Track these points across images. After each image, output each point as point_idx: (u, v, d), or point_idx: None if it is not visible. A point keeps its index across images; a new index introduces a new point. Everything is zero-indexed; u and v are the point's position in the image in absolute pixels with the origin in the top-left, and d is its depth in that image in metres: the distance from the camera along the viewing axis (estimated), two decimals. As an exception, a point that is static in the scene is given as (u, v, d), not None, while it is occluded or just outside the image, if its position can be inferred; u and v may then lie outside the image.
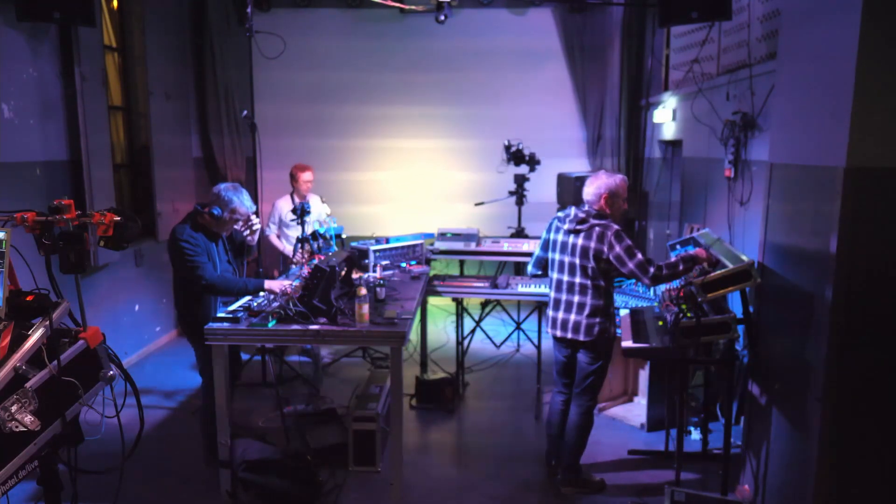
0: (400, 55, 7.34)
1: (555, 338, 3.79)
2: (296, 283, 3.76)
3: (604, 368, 3.73)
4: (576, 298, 3.63)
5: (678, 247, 4.06)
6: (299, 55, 6.93)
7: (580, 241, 3.56)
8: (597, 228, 3.52)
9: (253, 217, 3.96)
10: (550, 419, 3.97)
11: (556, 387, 3.94)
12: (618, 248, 3.47)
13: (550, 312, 3.77)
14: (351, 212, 6.83)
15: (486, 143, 7.05)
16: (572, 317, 3.64)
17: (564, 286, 3.67)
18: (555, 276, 3.75)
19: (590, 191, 3.62)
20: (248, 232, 3.99)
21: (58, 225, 2.08)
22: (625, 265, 3.47)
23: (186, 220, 3.82)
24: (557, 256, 3.71)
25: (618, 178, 3.64)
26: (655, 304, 4.32)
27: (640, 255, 3.47)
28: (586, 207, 3.62)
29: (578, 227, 3.57)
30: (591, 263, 3.54)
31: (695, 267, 3.56)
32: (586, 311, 3.60)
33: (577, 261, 3.58)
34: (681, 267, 3.52)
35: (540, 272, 3.92)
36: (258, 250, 5.28)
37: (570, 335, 3.66)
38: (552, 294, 3.78)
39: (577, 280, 3.61)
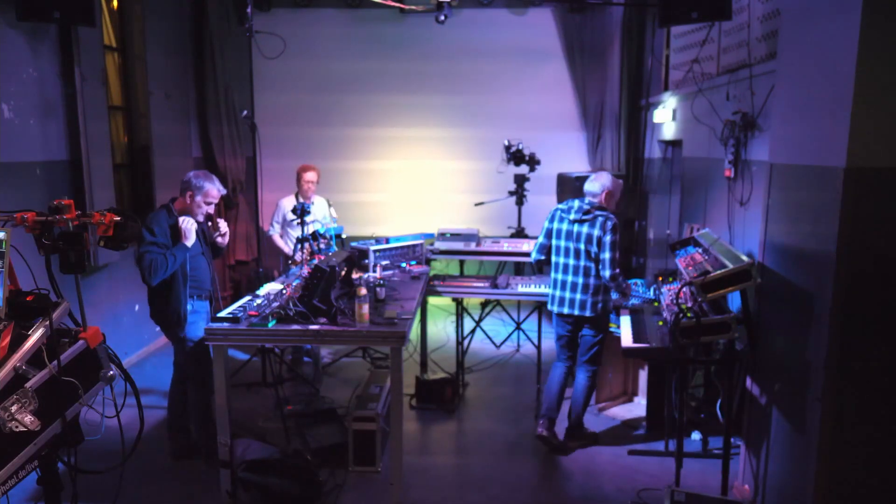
0: (399, 55, 7.33)
1: (559, 315, 4.29)
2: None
3: (605, 339, 4.34)
4: (580, 280, 4.17)
5: (679, 247, 4.10)
6: (299, 55, 6.92)
7: (585, 230, 4.11)
8: (600, 218, 4.09)
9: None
10: (551, 383, 4.36)
11: (558, 358, 4.42)
12: (607, 238, 4.05)
13: (557, 293, 4.27)
14: (352, 211, 6.83)
15: (485, 142, 7.04)
16: (578, 296, 4.18)
17: (570, 269, 4.20)
18: (560, 260, 4.25)
19: (594, 186, 4.16)
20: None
21: (58, 225, 2.08)
22: (603, 251, 4.05)
23: (163, 208, 3.95)
24: (563, 243, 4.22)
25: (619, 181, 4.26)
26: (655, 303, 4.34)
27: (616, 254, 4.07)
28: (589, 199, 4.16)
29: (584, 217, 4.12)
30: (595, 248, 4.09)
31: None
32: (590, 291, 4.17)
33: (583, 246, 4.12)
34: (625, 290, 4.32)
35: (543, 257, 4.38)
36: (258, 250, 5.29)
37: (576, 312, 4.20)
38: (558, 276, 4.26)
39: (582, 263, 4.15)
